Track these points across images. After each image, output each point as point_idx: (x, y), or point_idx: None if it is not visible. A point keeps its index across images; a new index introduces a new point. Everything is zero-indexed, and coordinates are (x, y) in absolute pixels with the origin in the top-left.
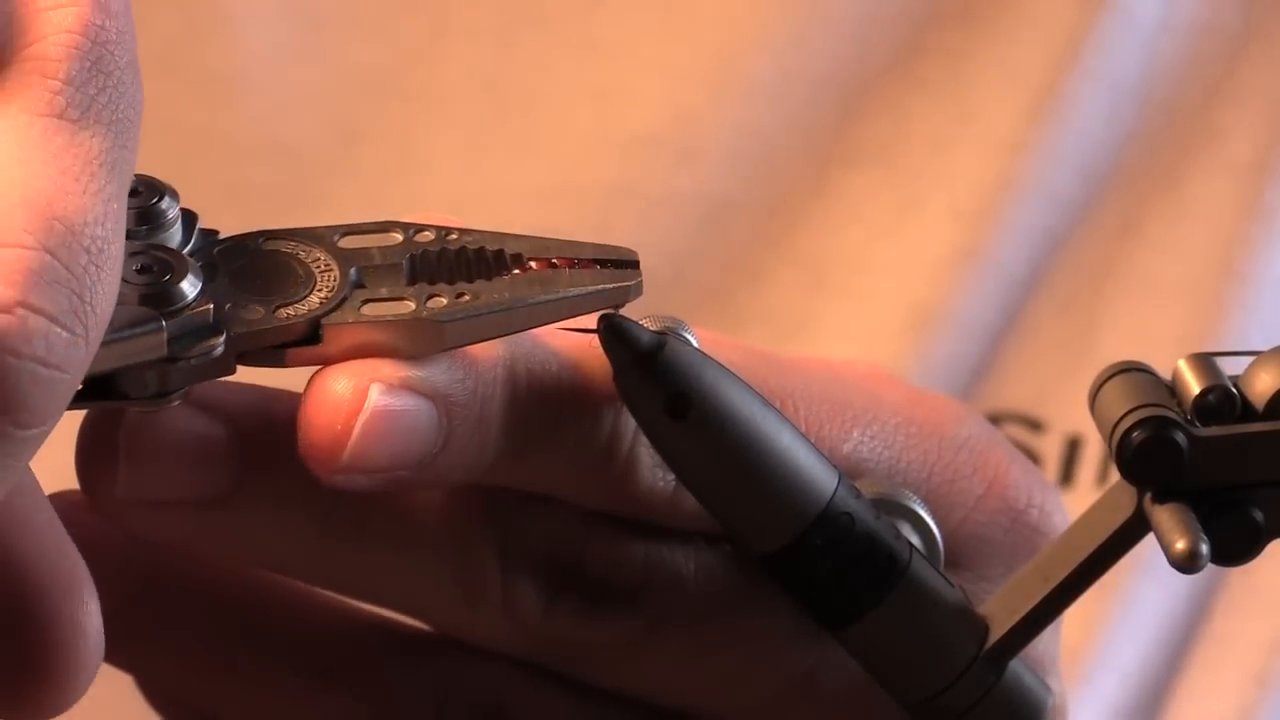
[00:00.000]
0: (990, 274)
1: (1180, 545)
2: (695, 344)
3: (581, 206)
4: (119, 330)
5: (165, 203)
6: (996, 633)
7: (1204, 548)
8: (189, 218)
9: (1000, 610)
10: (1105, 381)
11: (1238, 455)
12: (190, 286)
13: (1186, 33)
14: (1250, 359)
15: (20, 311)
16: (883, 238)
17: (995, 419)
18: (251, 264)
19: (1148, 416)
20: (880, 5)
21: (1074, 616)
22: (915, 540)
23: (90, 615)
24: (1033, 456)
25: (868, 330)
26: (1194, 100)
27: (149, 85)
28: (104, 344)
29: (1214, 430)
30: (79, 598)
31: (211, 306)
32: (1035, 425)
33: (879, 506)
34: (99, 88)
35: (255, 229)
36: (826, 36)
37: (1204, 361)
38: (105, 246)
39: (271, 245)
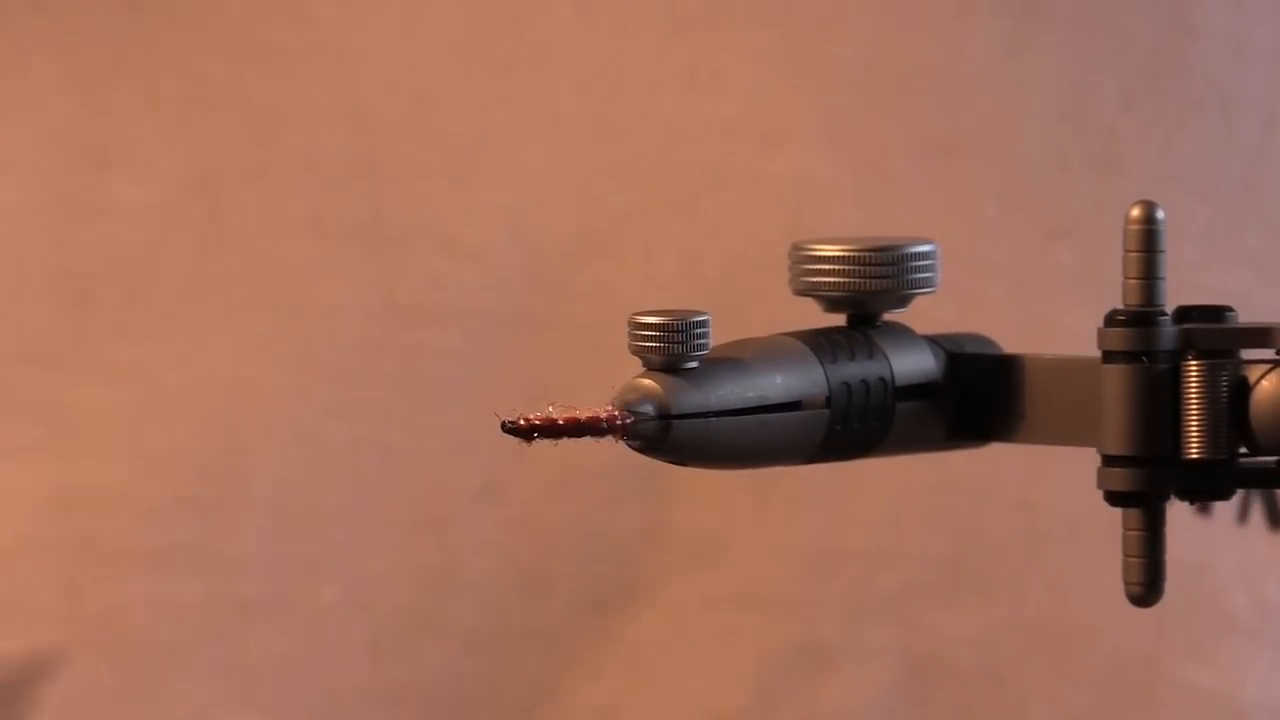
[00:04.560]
0: (1107, 289)
1: (1136, 589)
2: (708, 337)
3: (668, 188)
4: None
5: None
6: (990, 431)
7: (1161, 587)
8: None
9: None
10: (1110, 358)
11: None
12: None
13: None
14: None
15: None
16: (984, 227)
17: None
18: None
19: (1137, 490)
20: None
21: None
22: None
23: None
24: None
25: (974, 328)
26: None
27: (219, 66)
28: None
29: (1203, 485)
30: None
31: None
32: None
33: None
34: None
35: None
36: (913, 25)
37: (1211, 384)
38: None
39: None
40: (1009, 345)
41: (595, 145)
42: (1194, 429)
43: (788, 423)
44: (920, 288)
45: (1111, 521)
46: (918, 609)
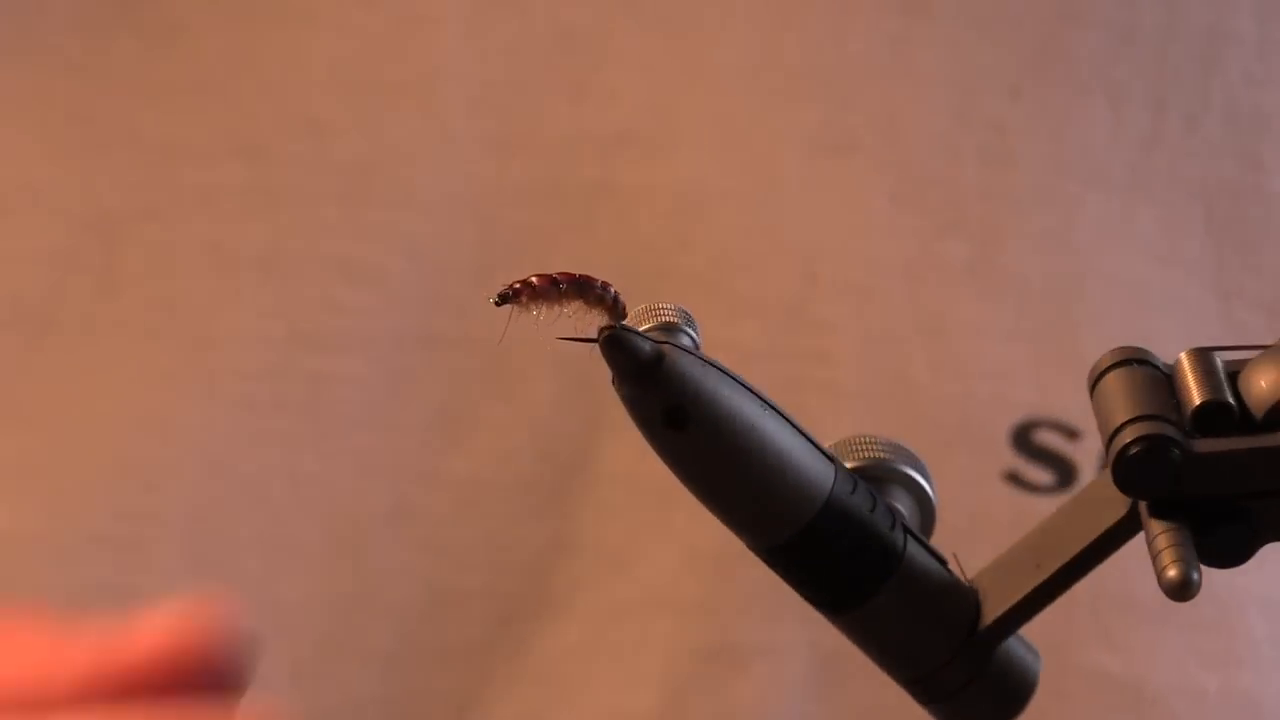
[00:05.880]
0: (1001, 281)
1: (1171, 574)
2: (698, 337)
3: (561, 203)
4: None
5: None
6: (989, 613)
7: (1195, 575)
8: None
9: (991, 587)
10: (1105, 372)
11: (1235, 467)
12: None
13: None
14: (1254, 352)
15: None
16: (878, 224)
17: (1031, 426)
18: None
19: (1146, 434)
20: None
21: None
22: (910, 505)
23: None
24: (1068, 466)
25: (874, 330)
26: None
27: (111, 103)
28: None
29: (1211, 445)
30: None
31: None
32: (1072, 433)
33: (876, 471)
34: None
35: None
36: (797, 27)
37: (1205, 361)
38: None
39: None
40: (910, 337)
41: (487, 164)
42: (1193, 382)
43: (791, 437)
44: (910, 470)
45: (1015, 513)
46: None
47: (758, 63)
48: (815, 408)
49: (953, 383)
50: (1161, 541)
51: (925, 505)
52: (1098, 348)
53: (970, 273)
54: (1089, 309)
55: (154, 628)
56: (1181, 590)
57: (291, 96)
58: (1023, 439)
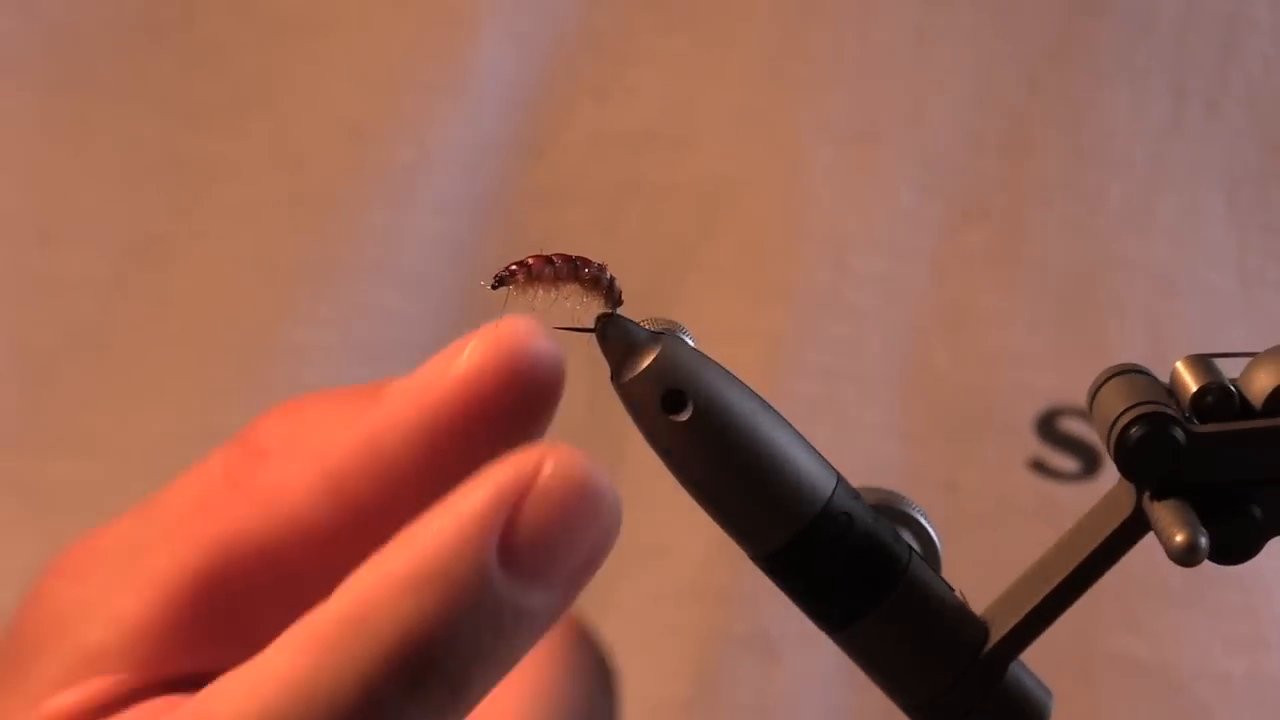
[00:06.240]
0: (1025, 270)
1: (1179, 538)
2: (693, 344)
3: (587, 203)
4: None
5: None
6: (997, 634)
7: (1203, 540)
8: None
9: (1001, 611)
10: (1103, 383)
11: (1236, 452)
12: None
13: None
14: (1248, 359)
15: None
16: (902, 214)
17: (1055, 414)
18: None
19: (1146, 413)
20: None
21: None
22: (914, 545)
23: None
24: (1093, 452)
25: (899, 319)
26: None
27: (152, 126)
28: None
29: (1212, 427)
30: None
31: None
32: None
33: (877, 510)
34: None
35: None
36: (820, 17)
37: (1202, 362)
38: None
39: None
40: (934, 326)
41: (517, 166)
42: (1191, 379)
43: (791, 434)
44: (912, 512)
45: (1040, 500)
46: None
47: (781, 56)
48: (843, 397)
49: (977, 371)
50: (1167, 517)
51: (928, 544)
52: (1121, 334)
53: (994, 261)
54: (1112, 296)
55: (464, 358)
56: (1189, 554)
57: (328, 106)
58: (1047, 426)
